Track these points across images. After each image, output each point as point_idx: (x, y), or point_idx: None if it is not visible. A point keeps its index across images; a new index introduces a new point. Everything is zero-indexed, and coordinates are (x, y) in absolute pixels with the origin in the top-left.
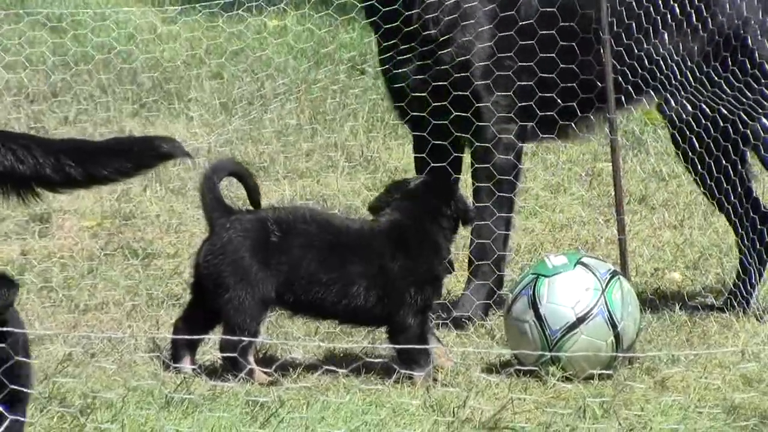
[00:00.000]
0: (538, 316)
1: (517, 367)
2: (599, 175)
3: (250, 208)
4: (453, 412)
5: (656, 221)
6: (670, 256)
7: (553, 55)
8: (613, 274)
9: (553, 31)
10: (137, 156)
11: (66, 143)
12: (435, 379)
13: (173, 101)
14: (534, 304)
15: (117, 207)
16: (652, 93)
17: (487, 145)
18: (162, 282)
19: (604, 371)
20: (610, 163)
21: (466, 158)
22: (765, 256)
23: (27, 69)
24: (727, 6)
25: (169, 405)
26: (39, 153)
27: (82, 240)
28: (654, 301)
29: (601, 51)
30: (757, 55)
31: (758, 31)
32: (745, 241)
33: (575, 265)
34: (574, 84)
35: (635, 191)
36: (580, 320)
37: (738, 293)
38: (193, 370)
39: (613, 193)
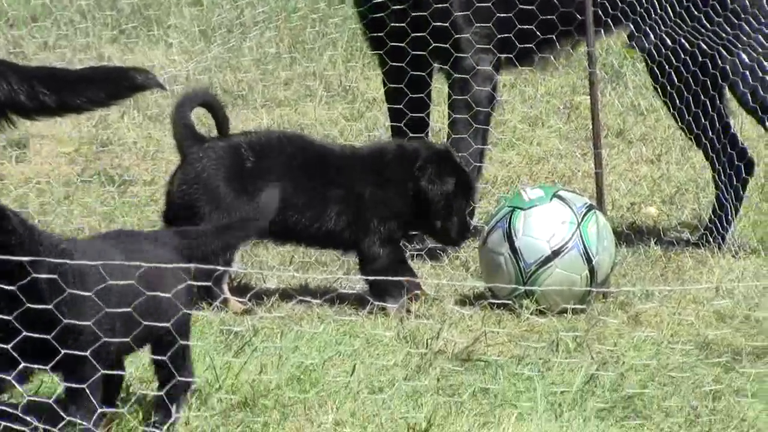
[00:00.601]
0: (513, 249)
1: (491, 300)
2: (577, 108)
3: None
4: (426, 344)
5: (633, 155)
6: (646, 190)
7: None
8: (589, 207)
9: None
10: (112, 86)
11: (41, 70)
12: (408, 311)
13: (152, 28)
14: (509, 237)
15: (94, 133)
16: (632, 26)
17: (465, 76)
18: (138, 209)
19: (577, 305)
20: (588, 97)
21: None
22: (741, 193)
23: None
24: None
25: None
26: (14, 79)
27: (59, 166)
28: (629, 235)
29: None
30: None
31: None
32: (722, 177)
33: (551, 198)
34: (553, 16)
35: (613, 125)
36: (555, 253)
37: (714, 229)
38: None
39: (590, 127)
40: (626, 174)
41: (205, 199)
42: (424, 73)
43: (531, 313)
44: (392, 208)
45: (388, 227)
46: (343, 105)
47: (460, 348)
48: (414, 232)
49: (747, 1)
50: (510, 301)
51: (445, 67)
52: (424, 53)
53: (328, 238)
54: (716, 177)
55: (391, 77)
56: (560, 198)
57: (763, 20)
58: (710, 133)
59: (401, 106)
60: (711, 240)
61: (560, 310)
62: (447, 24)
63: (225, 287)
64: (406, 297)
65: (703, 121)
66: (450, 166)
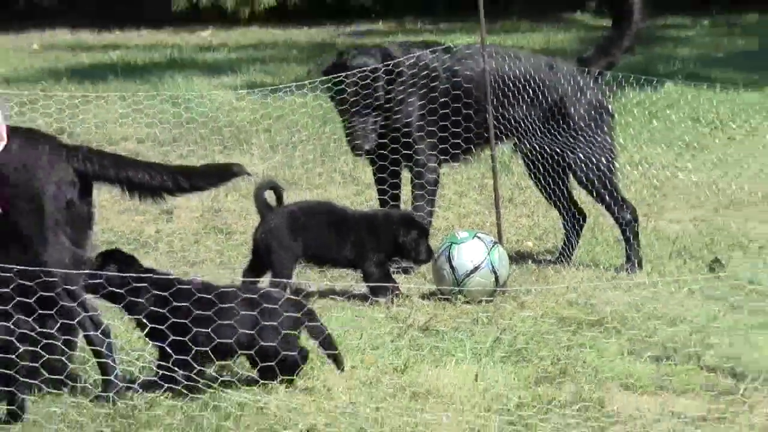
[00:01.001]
0: (452, 266)
1: (439, 296)
2: (485, 186)
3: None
4: (403, 321)
5: (517, 213)
6: (526, 233)
7: (459, 118)
8: (495, 243)
9: (459, 104)
10: (220, 174)
11: (178, 167)
12: (392, 302)
13: (243, 145)
14: (449, 259)
15: (211, 205)
16: (515, 138)
17: (420, 169)
18: (236, 248)
19: (489, 298)
20: (492, 180)
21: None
22: (579, 234)
23: (159, 126)
24: (555, 86)
25: None
26: (164, 173)
27: (191, 224)
28: (516, 258)
29: (487, 115)
30: (572, 115)
31: (573, 102)
32: (567, 224)
33: (473, 237)
34: (470, 134)
35: (506, 195)
36: (475, 269)
37: (564, 253)
38: None
39: (493, 197)
40: (514, 223)
41: (275, 243)
42: (397, 168)
43: (462, 303)
44: (381, 247)
45: (378, 257)
46: (352, 187)
47: (422, 323)
48: (395, 258)
49: (583, 123)
50: (450, 297)
51: (409, 164)
52: (397, 157)
53: (345, 263)
54: (565, 224)
55: (377, 171)
56: (478, 237)
57: (594, 134)
58: (562, 198)
59: (384, 187)
60: (564, 259)
61: (479, 301)
62: (410, 140)
63: (287, 291)
64: (391, 295)
65: (557, 191)
66: (413, 224)
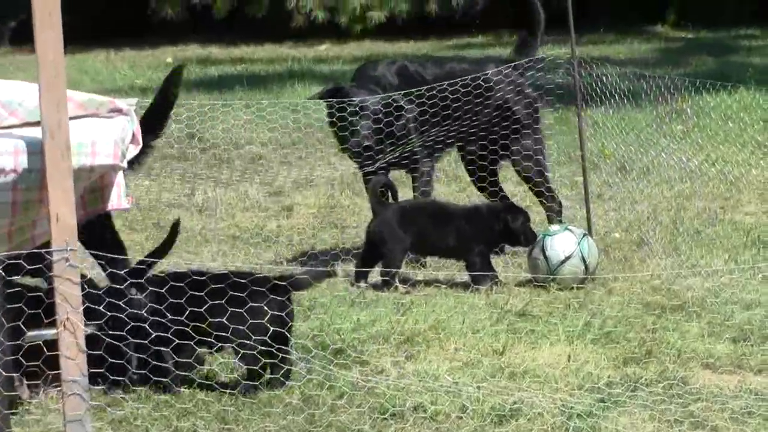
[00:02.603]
0: (545, 256)
1: (535, 283)
2: (575, 184)
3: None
4: (501, 307)
5: (605, 208)
6: (613, 225)
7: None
8: (585, 234)
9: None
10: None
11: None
12: (490, 290)
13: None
14: (543, 250)
15: (327, 202)
16: (464, 141)
17: (421, 176)
18: (350, 240)
19: (579, 285)
20: (581, 177)
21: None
22: None
23: (280, 131)
24: (497, 92)
25: (353, 303)
26: None
27: (309, 219)
28: (604, 248)
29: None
30: (514, 114)
31: (517, 105)
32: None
33: (565, 230)
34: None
35: (595, 191)
36: (567, 258)
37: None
38: (365, 287)
39: (583, 193)
40: (603, 217)
41: (387, 234)
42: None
43: (555, 290)
44: (483, 238)
45: (481, 248)
46: (454, 185)
47: (518, 308)
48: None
49: (522, 120)
50: (544, 284)
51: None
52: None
53: (449, 253)
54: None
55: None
56: (569, 230)
57: (530, 131)
58: (498, 192)
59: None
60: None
61: (570, 288)
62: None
63: (396, 279)
64: (490, 283)
65: (490, 188)
66: (518, 210)
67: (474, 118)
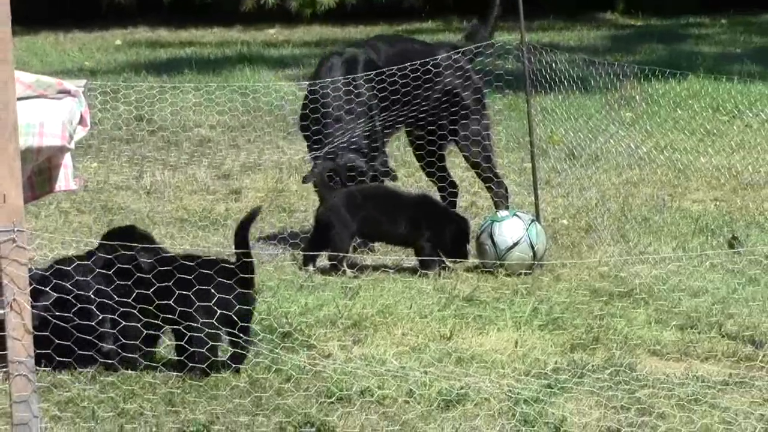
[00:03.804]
0: (493, 242)
1: (482, 269)
2: (524, 170)
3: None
4: (448, 292)
5: (553, 194)
6: (561, 211)
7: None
8: (533, 220)
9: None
10: None
11: None
12: (438, 275)
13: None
14: (491, 236)
15: (275, 186)
16: (412, 125)
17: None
18: (298, 224)
19: (527, 270)
20: (530, 163)
21: None
22: (455, 204)
23: (228, 114)
24: (445, 77)
25: (301, 287)
26: None
27: (257, 203)
28: (552, 234)
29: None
30: (461, 99)
31: (465, 90)
32: (446, 197)
33: (513, 216)
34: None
35: (543, 177)
36: (515, 244)
37: None
38: (313, 271)
39: (531, 179)
40: (551, 203)
41: (334, 218)
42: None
43: (502, 276)
44: (431, 225)
45: (429, 233)
46: (403, 170)
47: (466, 293)
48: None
49: (470, 105)
50: (492, 270)
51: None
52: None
53: (399, 240)
54: (443, 196)
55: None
56: (517, 215)
57: (477, 116)
58: (443, 175)
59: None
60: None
61: (518, 274)
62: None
63: (344, 264)
64: (438, 268)
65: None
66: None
67: (423, 102)
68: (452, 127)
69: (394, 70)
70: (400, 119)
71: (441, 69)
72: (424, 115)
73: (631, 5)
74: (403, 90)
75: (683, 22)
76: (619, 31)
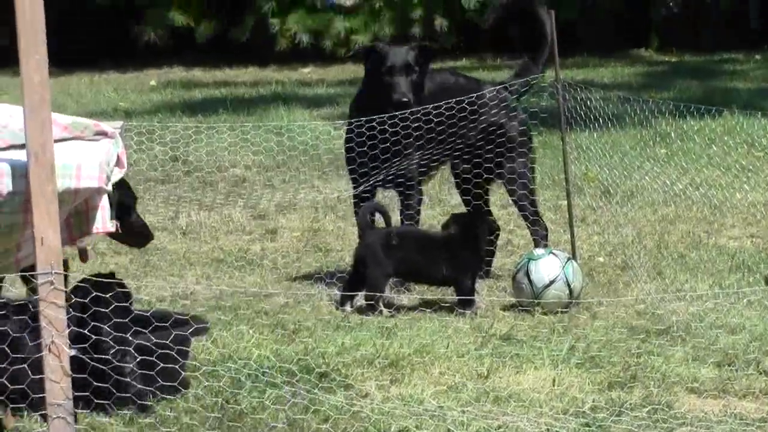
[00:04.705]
0: (530, 280)
1: (520, 307)
2: (559, 207)
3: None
4: (485, 331)
5: (588, 232)
6: (597, 249)
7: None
8: (569, 258)
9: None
10: None
11: None
12: (475, 314)
13: (339, 171)
14: (528, 274)
15: (311, 225)
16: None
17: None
18: (334, 263)
19: (564, 309)
20: (566, 201)
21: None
22: (495, 245)
23: (264, 154)
24: (487, 112)
25: (338, 327)
26: None
27: (293, 243)
28: (589, 272)
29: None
30: (508, 136)
31: (509, 124)
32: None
33: (549, 254)
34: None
35: (579, 215)
36: (552, 282)
37: None
38: (351, 311)
39: (567, 217)
40: (587, 240)
41: (371, 259)
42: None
43: (540, 314)
44: (471, 265)
45: (468, 273)
46: (438, 208)
47: (503, 332)
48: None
49: (516, 144)
50: (529, 308)
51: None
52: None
53: (434, 279)
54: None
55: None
56: (554, 253)
57: (524, 153)
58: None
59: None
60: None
61: (555, 312)
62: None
63: (380, 304)
64: (475, 308)
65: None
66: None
67: (466, 138)
68: (498, 161)
69: (428, 108)
70: (442, 155)
71: (486, 104)
72: (469, 149)
73: (665, 42)
74: (443, 125)
75: (717, 58)
76: (653, 67)
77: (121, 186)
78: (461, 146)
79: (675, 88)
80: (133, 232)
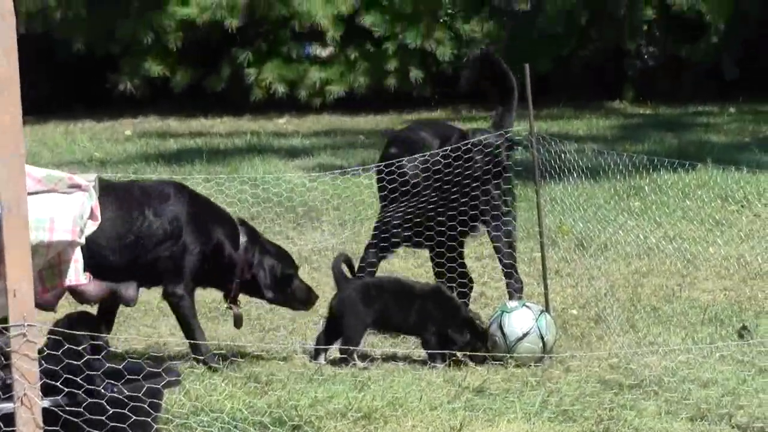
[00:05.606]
0: (503, 333)
1: (491, 361)
2: (533, 260)
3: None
4: (458, 383)
5: (562, 284)
6: (571, 301)
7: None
8: (542, 311)
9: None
10: None
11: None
12: (447, 366)
13: (314, 222)
14: (501, 327)
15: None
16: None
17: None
18: (308, 315)
19: (537, 362)
20: (539, 253)
21: None
22: (468, 297)
23: (239, 205)
24: (477, 162)
25: (311, 379)
26: None
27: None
28: (562, 325)
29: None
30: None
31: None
32: (460, 290)
33: (522, 306)
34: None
35: (552, 267)
36: (525, 335)
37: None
38: (324, 363)
39: (541, 269)
40: (560, 293)
41: (349, 311)
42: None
43: (512, 366)
44: (441, 316)
45: (437, 326)
46: (412, 260)
47: (476, 384)
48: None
49: (502, 195)
50: (502, 361)
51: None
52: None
53: (410, 330)
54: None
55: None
56: (527, 306)
57: (508, 204)
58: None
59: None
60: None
61: (528, 365)
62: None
63: (355, 356)
64: (448, 360)
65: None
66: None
67: (453, 188)
68: (483, 209)
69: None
70: (425, 206)
71: (474, 155)
72: (455, 199)
73: (640, 94)
74: (429, 178)
75: (692, 110)
76: (628, 119)
77: (283, 258)
78: (437, 199)
79: (650, 141)
80: (295, 298)
